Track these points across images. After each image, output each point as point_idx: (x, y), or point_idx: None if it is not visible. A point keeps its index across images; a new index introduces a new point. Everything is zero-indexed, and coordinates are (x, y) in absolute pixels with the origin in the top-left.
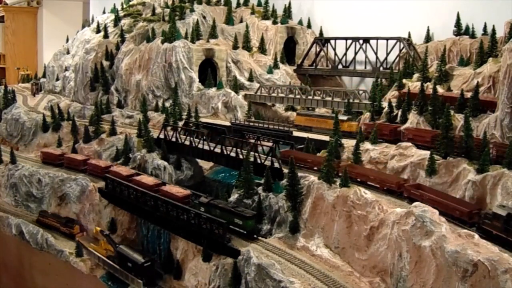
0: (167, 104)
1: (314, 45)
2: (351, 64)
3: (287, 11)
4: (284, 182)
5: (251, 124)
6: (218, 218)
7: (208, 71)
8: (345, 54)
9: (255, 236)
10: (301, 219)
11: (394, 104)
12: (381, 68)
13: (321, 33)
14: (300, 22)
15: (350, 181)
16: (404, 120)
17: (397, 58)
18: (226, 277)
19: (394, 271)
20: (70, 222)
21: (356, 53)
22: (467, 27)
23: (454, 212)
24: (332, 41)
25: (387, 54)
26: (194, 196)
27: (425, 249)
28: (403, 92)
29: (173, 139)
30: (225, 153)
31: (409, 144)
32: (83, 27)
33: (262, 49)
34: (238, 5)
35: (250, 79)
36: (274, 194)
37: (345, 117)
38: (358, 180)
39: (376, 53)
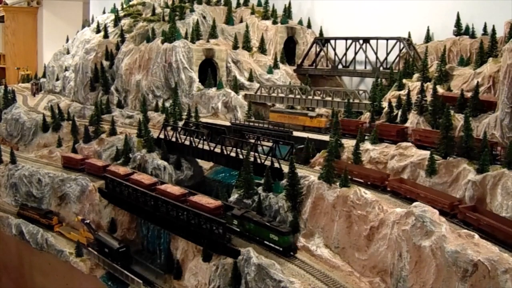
0: (167, 104)
1: (314, 45)
2: (351, 64)
3: (287, 11)
4: (284, 182)
5: (251, 124)
6: (252, 233)
7: (208, 71)
8: (345, 54)
9: (291, 253)
10: (301, 219)
11: (394, 104)
12: (381, 68)
13: (321, 33)
14: (300, 22)
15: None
16: (404, 120)
17: (397, 58)
18: (226, 277)
19: (394, 271)
20: (50, 214)
21: (356, 53)
22: (467, 27)
23: None
24: (332, 41)
25: (387, 54)
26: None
27: (425, 249)
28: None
29: (173, 139)
30: (225, 153)
31: (409, 144)
32: (83, 27)
33: (262, 49)
34: (238, 5)
35: (250, 79)
36: (274, 194)
37: (314, 114)
38: (408, 196)
39: (376, 53)
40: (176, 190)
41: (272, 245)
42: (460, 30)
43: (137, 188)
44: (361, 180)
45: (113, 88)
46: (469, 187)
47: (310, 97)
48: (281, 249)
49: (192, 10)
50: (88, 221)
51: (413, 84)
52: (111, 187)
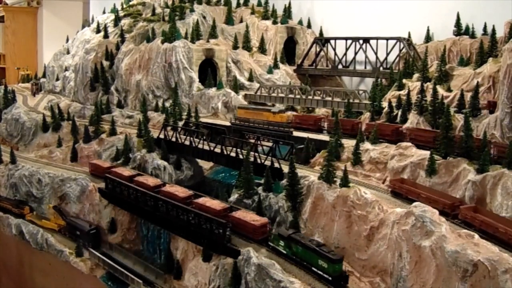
0: (167, 104)
1: (314, 45)
2: (351, 64)
3: (287, 11)
4: (284, 182)
5: (251, 124)
6: (298, 256)
7: (208, 71)
8: (345, 54)
9: (342, 283)
10: (301, 219)
11: (394, 104)
12: (381, 68)
13: (321, 33)
14: (300, 22)
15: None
16: (404, 120)
17: (397, 58)
18: (226, 277)
19: (394, 271)
20: (22, 204)
21: (356, 53)
22: (467, 27)
23: None
24: (332, 41)
25: (387, 54)
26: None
27: (425, 249)
28: None
29: (173, 139)
30: (225, 153)
31: (409, 144)
32: (83, 27)
33: (262, 49)
34: (238, 5)
35: (250, 79)
36: (274, 194)
37: (277, 110)
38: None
39: (376, 53)
40: (215, 204)
41: (321, 273)
42: (460, 30)
43: (174, 203)
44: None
45: (113, 88)
46: (469, 187)
47: (310, 97)
48: (330, 278)
49: (192, 10)
50: (58, 207)
51: (413, 84)
52: (111, 187)
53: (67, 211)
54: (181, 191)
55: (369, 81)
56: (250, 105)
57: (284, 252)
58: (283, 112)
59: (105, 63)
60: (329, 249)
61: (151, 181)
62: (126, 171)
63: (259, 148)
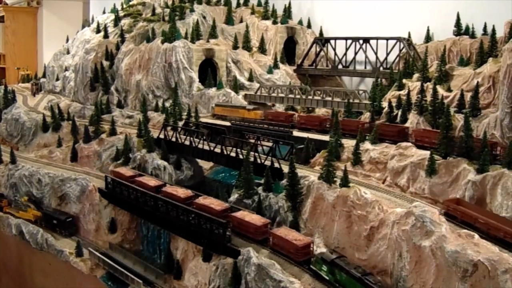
0: (167, 104)
1: (314, 45)
2: (351, 64)
3: (287, 11)
4: (284, 182)
5: (251, 124)
6: (341, 284)
7: (208, 71)
8: (345, 54)
9: None
10: (301, 219)
11: (394, 104)
12: (381, 68)
13: (321, 33)
14: (300, 22)
15: None
16: (404, 120)
17: (397, 58)
18: (226, 277)
19: (394, 271)
20: (0, 197)
21: (356, 53)
22: (467, 27)
23: None
24: (332, 41)
25: (387, 54)
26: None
27: (425, 249)
28: None
29: (173, 139)
30: (225, 153)
31: (409, 144)
32: (83, 27)
33: (262, 49)
34: (238, 5)
35: (250, 79)
36: (274, 194)
37: (251, 107)
38: None
39: (376, 53)
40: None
41: None
42: (460, 30)
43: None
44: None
45: (113, 88)
46: (469, 187)
47: (310, 97)
48: None
49: (192, 10)
50: (33, 199)
51: (413, 84)
52: (112, 187)
53: (43, 202)
54: (217, 204)
55: (369, 81)
56: (226, 103)
57: (327, 278)
58: (257, 109)
59: (105, 63)
60: (376, 279)
61: (181, 192)
62: (152, 181)
63: (259, 148)
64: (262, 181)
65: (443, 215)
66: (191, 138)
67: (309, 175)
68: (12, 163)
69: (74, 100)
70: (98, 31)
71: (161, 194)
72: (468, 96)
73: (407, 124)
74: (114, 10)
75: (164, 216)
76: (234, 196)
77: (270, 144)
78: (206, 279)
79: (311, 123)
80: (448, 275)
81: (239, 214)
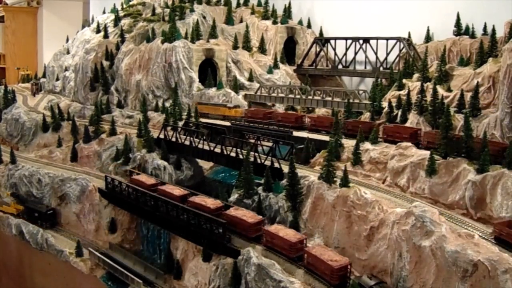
0: (167, 104)
1: (314, 45)
2: (351, 64)
3: (287, 11)
4: (284, 182)
5: (251, 124)
6: None
7: (208, 71)
8: (345, 54)
9: None
10: (301, 219)
11: (394, 104)
12: (381, 68)
13: (321, 33)
14: (300, 22)
15: None
16: (404, 120)
17: (397, 58)
18: (226, 277)
19: (394, 271)
20: None
21: (356, 53)
22: (467, 27)
23: None
24: (332, 41)
25: (387, 54)
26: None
27: (425, 249)
28: None
29: (173, 139)
30: (225, 153)
31: (409, 144)
32: (83, 27)
33: (262, 49)
34: (238, 5)
35: (250, 79)
36: (274, 194)
37: (232, 105)
38: None
39: (376, 53)
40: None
41: None
42: (460, 30)
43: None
44: None
45: (113, 88)
46: (469, 187)
47: (310, 97)
48: None
49: (192, 10)
50: (17, 194)
51: (413, 84)
52: (111, 187)
53: (24, 196)
54: (249, 215)
55: (369, 81)
56: (208, 101)
57: None
58: (238, 107)
59: (105, 63)
60: None
61: (210, 203)
62: (176, 190)
63: (259, 148)
64: (262, 181)
65: (494, 239)
66: (191, 138)
67: (309, 175)
68: (12, 163)
69: (74, 100)
70: (98, 31)
71: (187, 205)
72: (468, 96)
73: (407, 124)
74: (114, 10)
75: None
76: (234, 196)
77: (270, 144)
78: (206, 279)
79: (288, 120)
80: (448, 275)
81: (273, 228)
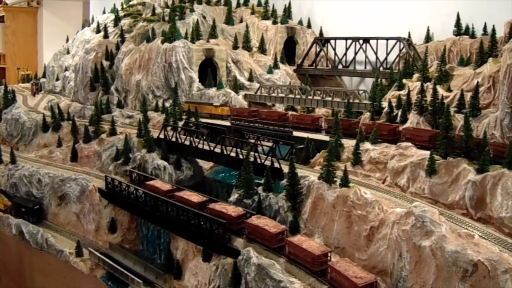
0: (167, 104)
1: (314, 45)
2: (351, 64)
3: (287, 11)
4: (284, 182)
5: (251, 124)
6: None
7: (208, 71)
8: (345, 54)
9: None
10: (301, 219)
11: (394, 104)
12: (381, 68)
13: (321, 33)
14: (300, 22)
15: None
16: (404, 120)
17: (397, 58)
18: (226, 277)
19: (394, 271)
20: None
21: (356, 53)
22: (467, 27)
23: None
24: (332, 41)
25: (387, 54)
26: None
27: (425, 249)
28: None
29: (173, 139)
30: (225, 153)
31: (409, 144)
32: (83, 27)
33: (262, 49)
34: (238, 5)
35: (250, 79)
36: (274, 194)
37: (218, 104)
38: None
39: (376, 53)
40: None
41: None
42: (460, 30)
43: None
44: None
45: (113, 88)
46: (469, 187)
47: (310, 97)
48: None
49: (192, 10)
50: (4, 190)
51: (413, 84)
52: (111, 187)
53: (11, 192)
54: (276, 226)
55: (369, 81)
56: (195, 99)
57: None
58: (224, 106)
59: (105, 63)
60: None
61: (231, 210)
62: (194, 196)
63: (259, 148)
64: (262, 181)
65: None
66: (191, 138)
67: (309, 175)
68: (12, 163)
69: (74, 100)
70: (98, 31)
71: (207, 212)
72: (468, 96)
73: (407, 124)
74: (114, 10)
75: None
76: (234, 196)
77: (270, 144)
78: (206, 279)
79: (271, 118)
80: (448, 275)
81: (296, 239)
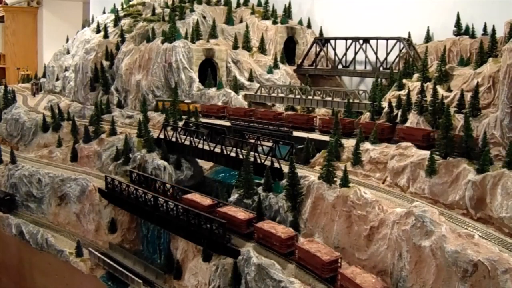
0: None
1: (314, 45)
2: (351, 64)
3: (287, 11)
4: (284, 182)
5: (251, 124)
6: None
7: (208, 71)
8: (345, 54)
9: None
10: (301, 219)
11: (394, 104)
12: (381, 68)
13: (321, 33)
14: (300, 22)
15: None
16: (404, 120)
17: (397, 58)
18: (226, 277)
19: (394, 271)
20: None
21: (356, 53)
22: (467, 27)
23: None
24: (332, 41)
25: (387, 54)
26: None
27: (425, 249)
28: None
29: (173, 139)
30: (225, 153)
31: (409, 144)
32: (83, 27)
33: (262, 49)
34: (238, 5)
35: (250, 79)
36: (274, 194)
37: (189, 101)
38: None
39: (376, 53)
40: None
41: None
42: (460, 30)
43: None
44: None
45: (113, 88)
46: (469, 187)
47: (310, 97)
48: None
49: (192, 10)
50: None
51: (413, 84)
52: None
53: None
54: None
55: (369, 81)
56: (166, 98)
57: None
58: (195, 103)
59: (105, 63)
60: None
61: (281, 231)
62: (240, 213)
63: (259, 148)
64: (262, 181)
65: None
66: (191, 138)
67: (309, 175)
68: (12, 163)
69: (74, 100)
70: (98, 31)
71: (256, 232)
72: (468, 96)
73: (407, 124)
74: (114, 10)
75: (164, 216)
76: (234, 196)
77: (270, 144)
78: (206, 279)
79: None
80: (448, 275)
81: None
